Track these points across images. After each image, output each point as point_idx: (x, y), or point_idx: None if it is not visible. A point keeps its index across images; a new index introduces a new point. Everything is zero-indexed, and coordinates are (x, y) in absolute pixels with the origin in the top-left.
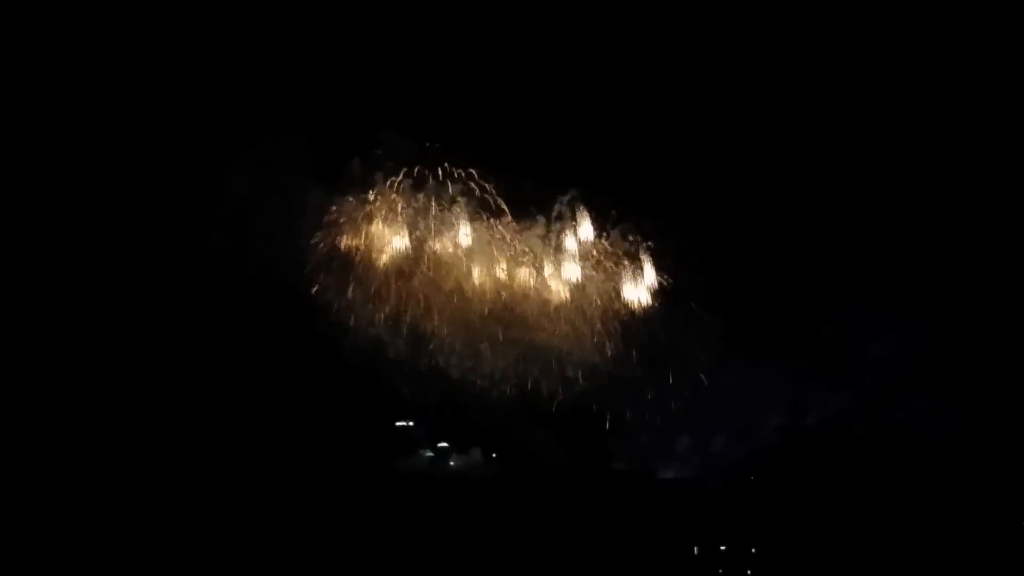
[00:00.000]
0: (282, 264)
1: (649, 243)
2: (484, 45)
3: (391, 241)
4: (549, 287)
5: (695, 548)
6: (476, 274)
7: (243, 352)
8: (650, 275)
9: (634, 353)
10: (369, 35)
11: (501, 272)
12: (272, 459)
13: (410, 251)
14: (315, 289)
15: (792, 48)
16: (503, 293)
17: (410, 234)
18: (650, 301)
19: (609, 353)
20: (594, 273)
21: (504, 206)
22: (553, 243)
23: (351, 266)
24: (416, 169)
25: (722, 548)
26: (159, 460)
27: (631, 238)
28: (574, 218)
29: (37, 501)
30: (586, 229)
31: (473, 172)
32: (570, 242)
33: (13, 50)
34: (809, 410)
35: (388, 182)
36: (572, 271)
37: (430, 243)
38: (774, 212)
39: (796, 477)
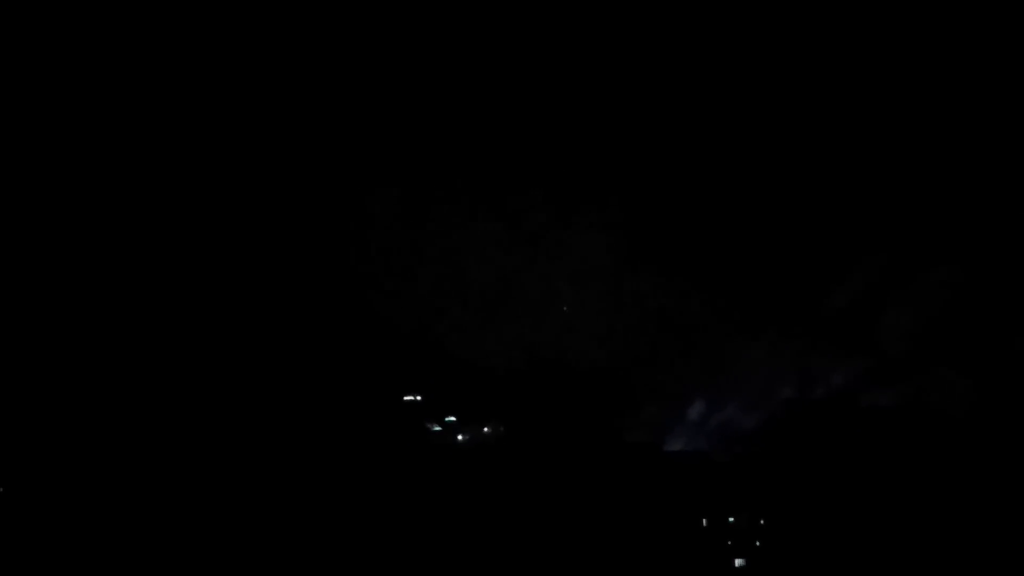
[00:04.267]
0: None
1: (654, 214)
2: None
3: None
4: (555, 263)
5: (704, 520)
6: (479, 254)
7: (250, 332)
8: (657, 246)
9: (643, 325)
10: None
11: (504, 251)
12: (278, 436)
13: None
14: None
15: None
16: (508, 268)
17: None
18: (658, 271)
19: (618, 325)
20: (600, 247)
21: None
22: (556, 220)
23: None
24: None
25: (731, 520)
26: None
27: (634, 210)
28: (574, 197)
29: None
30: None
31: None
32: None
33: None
34: (820, 379)
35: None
36: (577, 247)
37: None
38: (783, 171)
39: (807, 448)
